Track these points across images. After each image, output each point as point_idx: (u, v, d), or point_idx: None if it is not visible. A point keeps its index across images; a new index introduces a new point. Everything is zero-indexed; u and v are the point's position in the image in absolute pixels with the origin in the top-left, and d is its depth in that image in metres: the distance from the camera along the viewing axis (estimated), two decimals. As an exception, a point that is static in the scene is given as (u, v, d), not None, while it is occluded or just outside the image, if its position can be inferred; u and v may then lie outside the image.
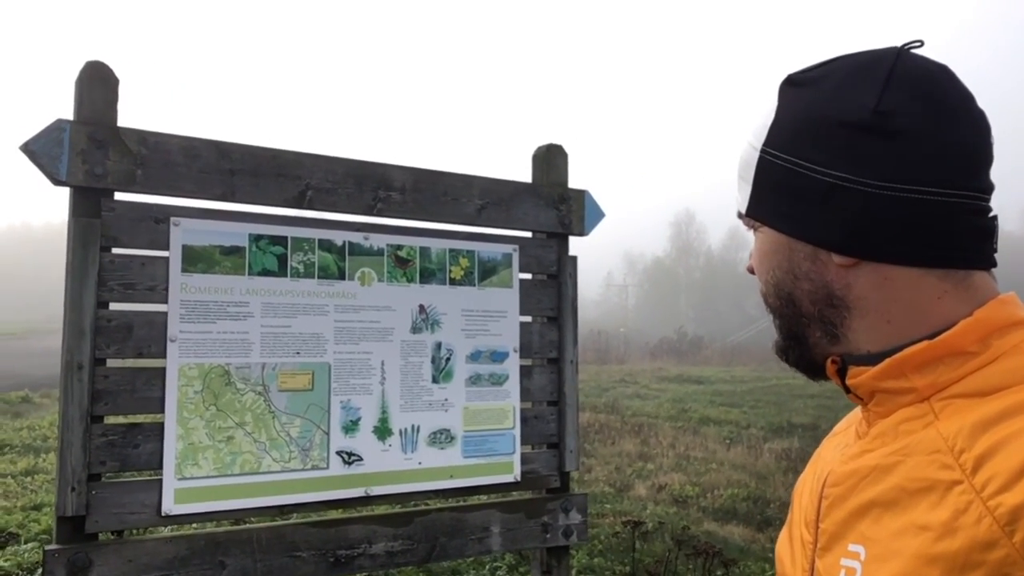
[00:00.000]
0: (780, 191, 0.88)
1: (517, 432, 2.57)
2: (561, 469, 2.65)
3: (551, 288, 2.77)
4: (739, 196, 0.93)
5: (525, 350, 2.66)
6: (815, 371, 0.92)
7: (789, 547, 0.98)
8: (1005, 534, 0.67)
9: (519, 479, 2.54)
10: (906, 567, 0.73)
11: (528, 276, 2.75)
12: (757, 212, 0.91)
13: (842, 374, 0.88)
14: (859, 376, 0.85)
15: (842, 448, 0.92)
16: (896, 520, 0.76)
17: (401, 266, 2.46)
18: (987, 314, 0.80)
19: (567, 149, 2.97)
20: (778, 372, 26.76)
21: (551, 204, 2.80)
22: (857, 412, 1.01)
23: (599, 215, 2.96)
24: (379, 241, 2.43)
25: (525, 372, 2.64)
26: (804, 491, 0.98)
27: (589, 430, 11.98)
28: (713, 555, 3.17)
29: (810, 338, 0.90)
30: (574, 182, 2.92)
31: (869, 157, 0.81)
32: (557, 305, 2.76)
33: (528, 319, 2.72)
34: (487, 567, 4.83)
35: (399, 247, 2.46)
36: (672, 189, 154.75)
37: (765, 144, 0.88)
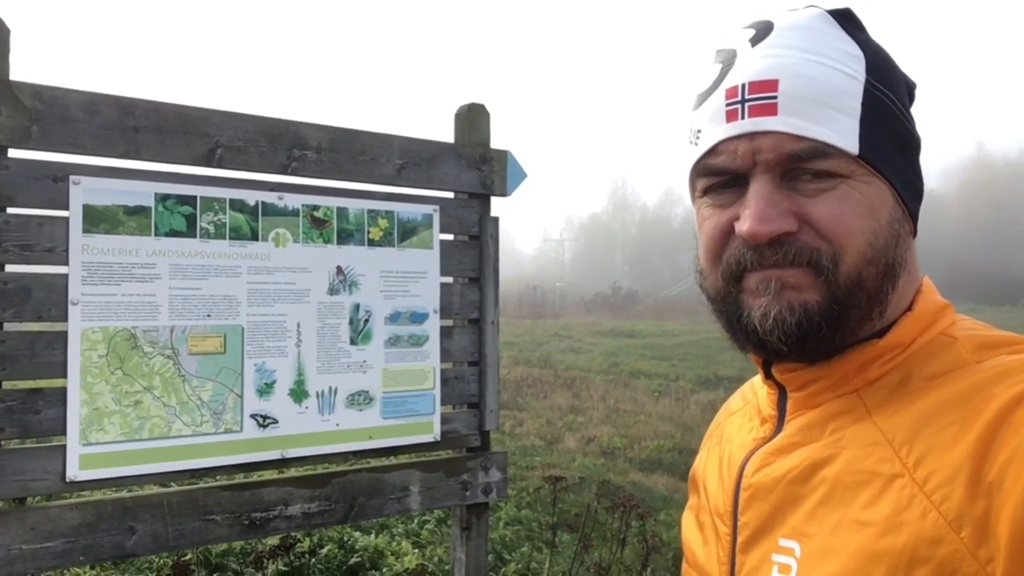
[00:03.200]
0: (890, 137, 0.77)
1: (437, 392, 2.58)
2: (481, 428, 2.68)
3: (472, 249, 2.76)
4: (818, 128, 0.74)
5: (446, 311, 2.66)
6: (819, 354, 0.78)
7: (699, 534, 0.93)
8: (952, 529, 0.65)
9: (439, 439, 2.56)
10: (848, 564, 0.70)
11: (449, 237, 2.74)
12: (871, 156, 0.75)
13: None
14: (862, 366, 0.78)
15: (749, 433, 0.88)
16: (832, 514, 0.73)
17: (317, 227, 2.41)
18: (924, 307, 0.79)
19: (504, 110, 2.95)
20: (707, 326, 27.43)
21: (473, 164, 2.78)
22: (751, 389, 0.99)
23: (521, 176, 2.96)
24: (294, 201, 2.38)
25: (446, 333, 2.65)
26: (708, 477, 0.94)
27: (522, 384, 12.13)
28: (631, 508, 3.27)
29: (860, 319, 0.77)
30: (509, 142, 2.91)
31: (914, 124, 0.81)
32: (479, 266, 2.76)
33: (449, 280, 2.72)
34: (415, 520, 4.89)
35: (315, 207, 2.42)
36: (610, 148, 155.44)
37: (870, 76, 0.76)
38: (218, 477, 2.25)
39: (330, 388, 2.37)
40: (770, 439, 0.83)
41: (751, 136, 0.75)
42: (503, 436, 8.33)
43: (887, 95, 0.76)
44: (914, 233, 0.81)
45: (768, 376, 0.85)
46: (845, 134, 0.73)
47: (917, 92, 0.83)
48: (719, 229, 0.79)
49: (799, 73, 0.74)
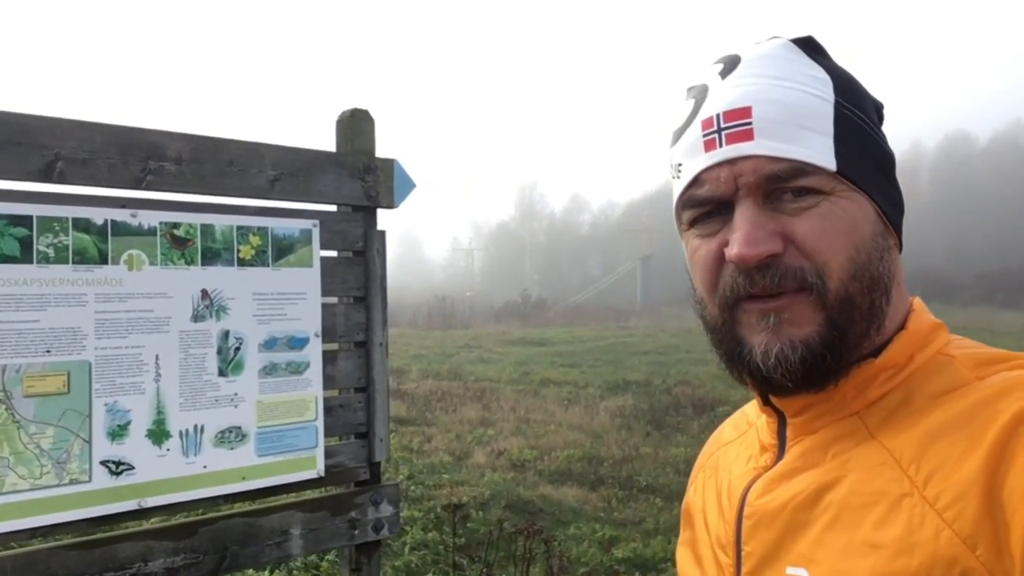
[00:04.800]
0: (866, 153, 0.79)
1: (320, 424, 2.37)
2: (371, 460, 2.48)
3: (357, 266, 2.57)
4: (795, 148, 0.76)
5: (328, 334, 2.45)
6: (826, 381, 0.77)
7: (697, 568, 0.92)
8: (967, 548, 0.65)
9: (323, 474, 2.35)
10: None
11: (332, 253, 2.54)
12: (849, 171, 0.77)
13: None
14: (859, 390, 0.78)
15: (748, 461, 0.88)
16: (841, 538, 0.72)
17: (178, 247, 2.17)
18: (918, 326, 0.80)
19: (403, 118, 2.77)
20: (615, 331, 27.82)
21: (356, 175, 2.59)
22: (744, 418, 0.99)
23: (410, 186, 2.78)
24: (150, 219, 2.14)
25: (329, 358, 2.44)
26: (707, 508, 0.92)
27: (431, 398, 11.91)
28: (534, 533, 3.13)
29: (858, 337, 0.77)
30: (408, 152, 2.72)
31: (886, 141, 0.84)
32: (364, 284, 2.57)
33: (332, 300, 2.51)
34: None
35: (175, 225, 2.18)
36: (517, 156, 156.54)
37: (839, 96, 0.79)
38: (62, 536, 1.98)
39: (195, 426, 2.13)
40: (771, 467, 0.83)
41: (731, 162, 0.77)
42: (410, 455, 8.10)
43: (857, 114, 0.79)
44: (899, 247, 0.82)
45: (766, 403, 0.84)
46: (822, 152, 0.76)
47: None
48: (711, 257, 0.80)
49: (771, 98, 0.77)
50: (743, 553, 0.82)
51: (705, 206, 0.81)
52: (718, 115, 0.78)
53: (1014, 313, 33.70)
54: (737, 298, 0.78)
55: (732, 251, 0.76)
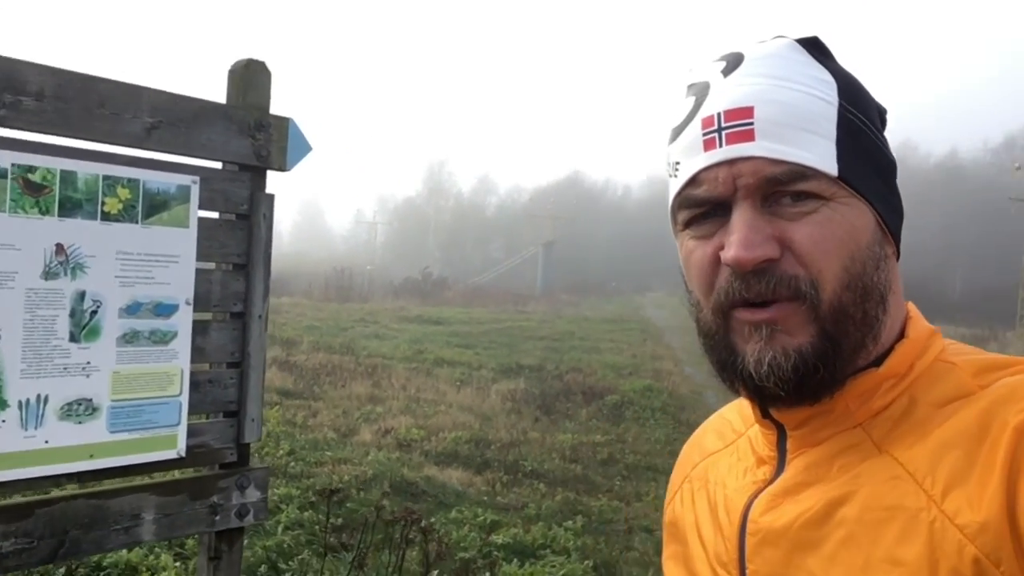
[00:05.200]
0: (868, 159, 0.78)
1: (184, 400, 2.17)
2: (239, 441, 2.30)
3: (240, 230, 2.37)
4: (796, 151, 0.74)
5: (201, 302, 2.24)
6: (820, 392, 0.75)
7: None
8: (991, 563, 0.64)
9: (184, 455, 2.16)
10: None
11: (212, 215, 2.33)
12: (850, 177, 0.75)
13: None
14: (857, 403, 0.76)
15: (744, 474, 0.85)
16: (858, 556, 0.70)
17: (32, 193, 1.93)
18: (917, 334, 0.79)
19: (314, 81, 2.55)
20: (513, 314, 27.95)
21: (246, 131, 2.38)
22: (729, 427, 0.95)
23: (305, 148, 2.59)
24: (1, 159, 1.89)
25: (200, 328, 2.24)
26: (700, 523, 0.90)
27: (320, 372, 11.60)
28: (412, 521, 3.01)
29: (852, 348, 0.75)
30: (315, 118, 2.51)
31: (888, 147, 0.82)
32: (247, 251, 2.37)
33: (209, 266, 2.31)
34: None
35: (30, 169, 1.93)
36: (429, 132, 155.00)
37: (843, 100, 0.77)
38: None
39: (38, 396, 1.91)
40: (772, 481, 0.81)
41: (730, 163, 0.75)
42: (293, 429, 7.84)
43: (861, 119, 0.78)
44: (897, 255, 0.81)
45: (765, 416, 0.82)
46: (823, 156, 0.74)
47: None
48: (707, 260, 0.78)
49: (774, 99, 0.75)
50: (748, 571, 0.80)
51: (702, 206, 0.79)
52: (719, 114, 0.77)
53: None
54: (732, 303, 0.76)
55: (728, 254, 0.75)
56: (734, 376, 0.78)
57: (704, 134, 0.77)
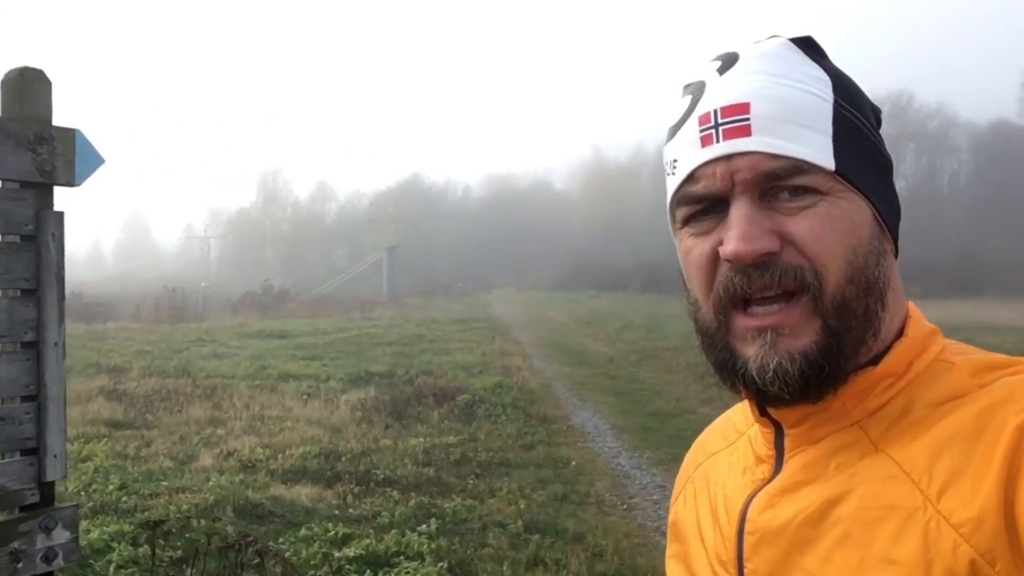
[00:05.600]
0: (864, 155, 0.78)
1: (-30, 441, 1.98)
2: (41, 479, 2.13)
3: (26, 252, 2.19)
4: (793, 146, 0.74)
5: (-15, 333, 2.05)
6: (824, 391, 0.75)
7: None
8: (987, 563, 0.64)
9: (-27, 501, 1.97)
10: None
11: (-8, 237, 2.14)
12: (847, 171, 0.75)
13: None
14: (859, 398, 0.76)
15: (743, 473, 0.85)
16: (853, 555, 0.70)
17: None
18: (916, 333, 0.79)
19: (125, 86, 2.36)
20: (360, 322, 27.45)
21: (25, 145, 2.20)
22: (732, 426, 0.95)
23: (96, 161, 2.42)
24: None
25: (-15, 362, 2.05)
26: (701, 522, 0.90)
27: (154, 398, 10.93)
28: (246, 546, 2.89)
29: (855, 344, 0.75)
30: (125, 129, 2.33)
31: (884, 145, 0.82)
32: (36, 274, 2.19)
33: (-9, 293, 2.12)
34: None
35: None
36: (259, 140, 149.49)
37: (838, 97, 0.78)
38: None
39: None
40: (770, 479, 0.81)
41: (728, 158, 0.75)
42: (124, 462, 7.33)
43: (856, 115, 0.78)
44: (895, 252, 0.81)
45: (762, 414, 0.81)
46: (820, 151, 0.74)
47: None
48: (706, 257, 0.78)
49: (770, 95, 0.75)
50: (746, 570, 0.80)
51: (700, 203, 0.78)
52: (715, 110, 0.77)
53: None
54: (732, 299, 0.76)
55: (727, 248, 0.74)
56: (735, 377, 0.78)
57: (701, 131, 0.77)
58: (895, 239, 0.81)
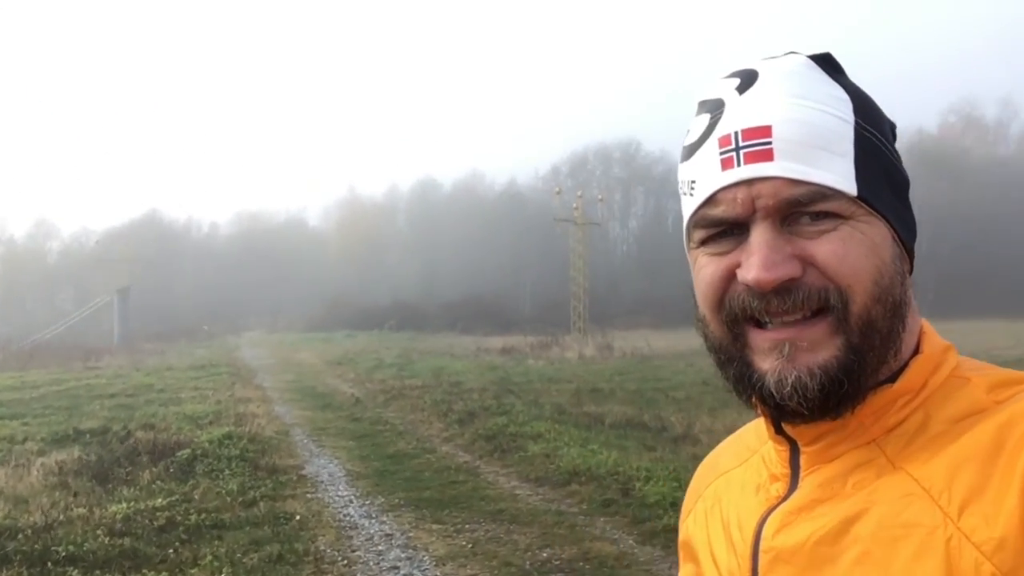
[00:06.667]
0: (884, 177, 0.77)
1: None
2: None
3: None
4: (816, 171, 0.73)
5: None
6: (842, 408, 0.74)
7: None
8: None
9: None
10: None
11: None
12: (869, 196, 0.75)
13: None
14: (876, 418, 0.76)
15: (757, 492, 0.85)
16: (872, 573, 0.70)
17: None
18: (932, 349, 0.79)
19: None
20: (80, 372, 24.59)
21: None
22: (744, 445, 0.94)
23: None
24: None
25: None
26: (713, 541, 0.89)
27: None
28: None
29: (876, 363, 0.75)
30: None
31: (901, 163, 0.81)
32: None
33: None
34: None
35: None
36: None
37: (859, 117, 0.77)
38: None
39: None
40: (785, 498, 0.80)
41: (749, 183, 0.74)
42: None
43: (876, 136, 0.77)
44: (911, 271, 0.80)
45: (778, 431, 0.81)
46: (843, 176, 0.73)
47: None
48: (719, 275, 0.77)
49: (791, 118, 0.74)
50: None
51: (719, 226, 0.77)
52: (736, 132, 0.75)
53: (471, 337, 38.84)
54: (747, 317, 0.75)
55: (749, 275, 0.73)
56: (752, 392, 0.77)
57: (721, 153, 0.76)
58: (911, 258, 0.81)
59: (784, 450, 0.82)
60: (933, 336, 0.81)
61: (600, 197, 48.53)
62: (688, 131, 0.82)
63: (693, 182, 0.80)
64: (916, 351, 0.79)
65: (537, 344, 29.58)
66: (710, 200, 0.77)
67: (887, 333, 0.75)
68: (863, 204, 0.75)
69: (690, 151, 0.81)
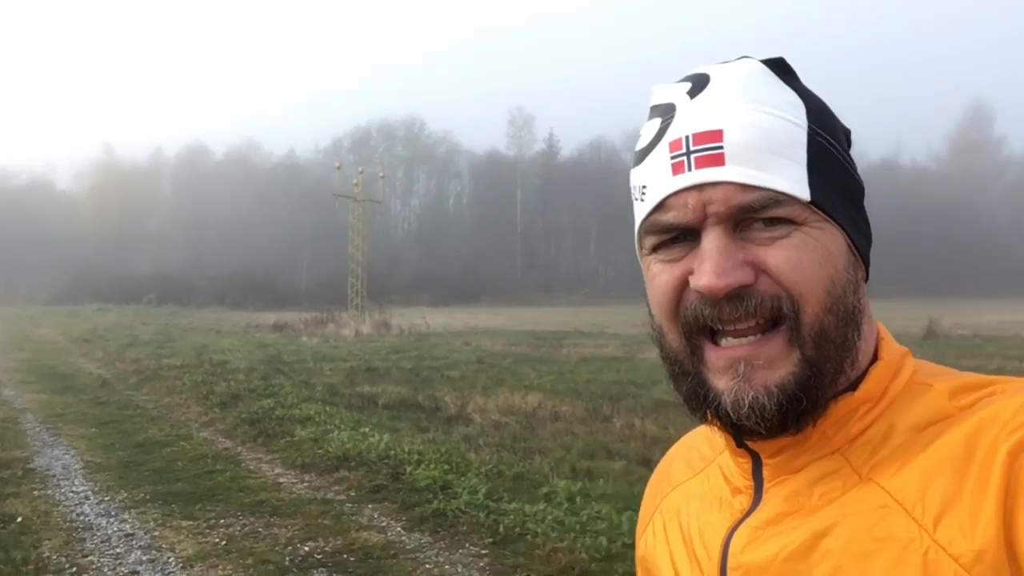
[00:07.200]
0: (838, 183, 0.76)
1: None
2: None
3: None
4: (768, 176, 0.72)
5: None
6: (802, 424, 0.73)
7: None
8: None
9: None
10: None
11: None
12: (822, 201, 0.74)
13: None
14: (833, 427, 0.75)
15: (719, 505, 0.83)
16: None
17: None
18: (890, 356, 0.78)
19: None
20: None
21: None
22: (696, 454, 0.93)
23: None
24: None
25: None
26: (676, 558, 0.87)
27: None
28: None
29: (833, 374, 0.74)
30: None
31: (855, 169, 0.81)
32: None
33: None
34: None
35: None
36: None
37: (812, 123, 0.75)
38: None
39: None
40: (749, 511, 0.79)
41: (700, 188, 0.73)
42: None
43: (830, 141, 0.76)
44: (866, 278, 0.80)
45: (739, 446, 0.79)
46: (795, 181, 0.73)
47: None
48: (672, 284, 0.76)
49: (744, 122, 0.73)
50: None
51: (670, 232, 0.76)
52: (687, 137, 0.74)
53: (241, 313, 36.82)
54: (701, 328, 0.75)
55: (700, 282, 0.72)
56: (706, 409, 0.76)
57: (672, 157, 0.75)
58: (867, 265, 0.80)
59: (746, 462, 0.81)
60: (890, 342, 0.81)
61: (382, 175, 47.80)
62: (640, 136, 0.81)
63: (644, 187, 0.79)
64: (874, 358, 0.78)
65: (312, 321, 28.63)
66: (661, 206, 0.76)
67: (841, 343, 0.74)
68: (816, 210, 0.74)
69: (641, 156, 0.80)
